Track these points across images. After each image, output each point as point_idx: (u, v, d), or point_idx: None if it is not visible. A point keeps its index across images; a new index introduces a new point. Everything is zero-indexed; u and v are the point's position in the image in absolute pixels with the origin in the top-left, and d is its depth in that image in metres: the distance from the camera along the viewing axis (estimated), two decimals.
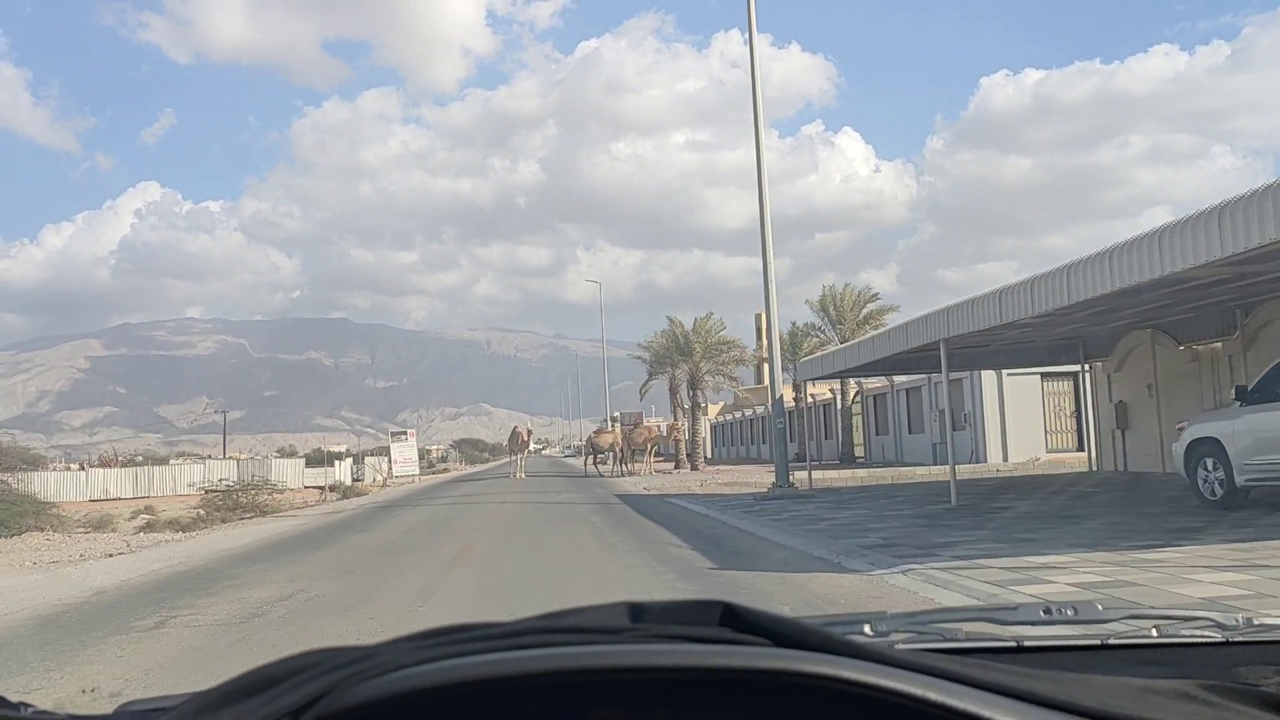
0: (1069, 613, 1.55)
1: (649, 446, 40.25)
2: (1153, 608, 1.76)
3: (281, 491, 37.09)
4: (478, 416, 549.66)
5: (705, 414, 44.75)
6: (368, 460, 69.37)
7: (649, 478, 36.77)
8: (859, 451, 44.72)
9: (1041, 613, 1.57)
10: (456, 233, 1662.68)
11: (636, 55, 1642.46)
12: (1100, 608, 1.59)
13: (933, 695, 0.88)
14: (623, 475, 39.28)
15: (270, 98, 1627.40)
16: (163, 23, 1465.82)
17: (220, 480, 36.30)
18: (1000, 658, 1.40)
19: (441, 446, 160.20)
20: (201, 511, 30.61)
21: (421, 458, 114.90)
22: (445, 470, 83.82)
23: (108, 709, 1.16)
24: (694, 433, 43.07)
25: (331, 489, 40.82)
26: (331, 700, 0.87)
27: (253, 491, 33.98)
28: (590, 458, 41.94)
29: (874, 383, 41.20)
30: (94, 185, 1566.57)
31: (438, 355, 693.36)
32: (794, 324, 46.38)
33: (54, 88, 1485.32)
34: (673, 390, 44.73)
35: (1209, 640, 1.53)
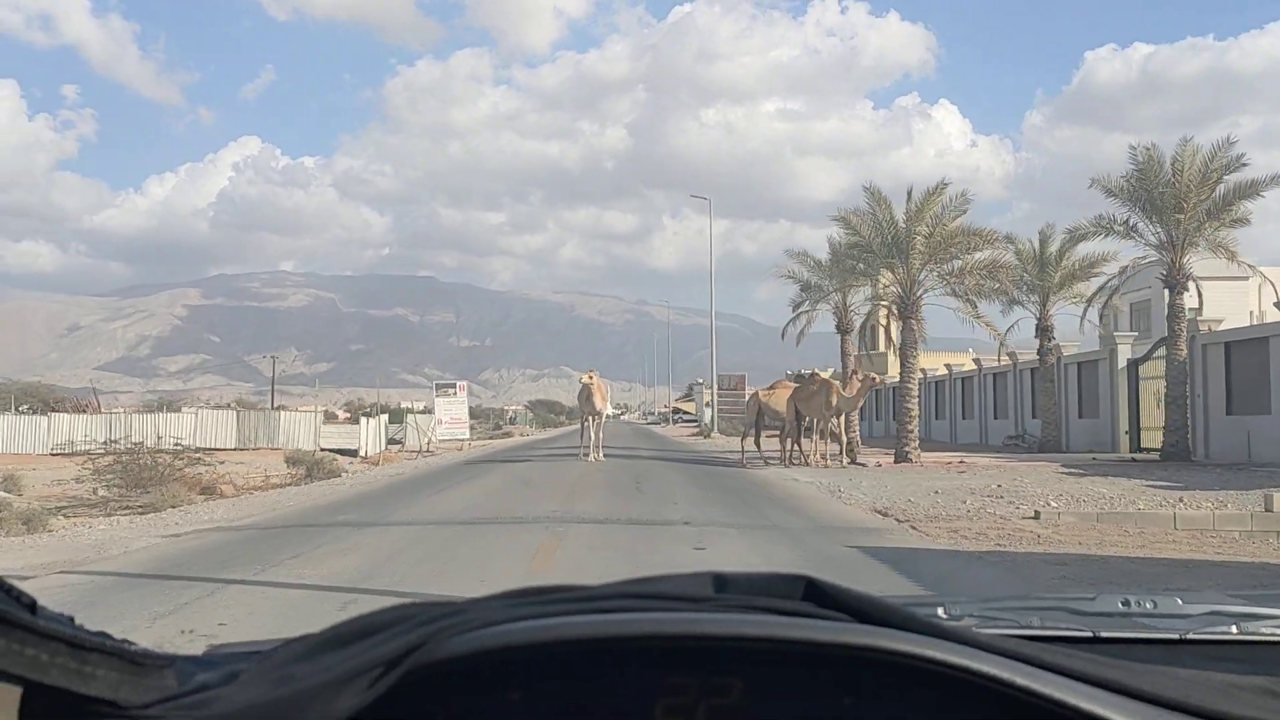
0: (1148, 605, 1.51)
1: (837, 414, 24.65)
2: (1235, 605, 1.53)
3: (210, 466, 23.81)
4: (558, 379, 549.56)
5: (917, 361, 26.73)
6: (413, 419, 56.19)
7: (841, 473, 22.64)
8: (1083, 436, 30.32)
9: (1120, 604, 1.53)
10: (544, 195, 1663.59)
11: (730, 21, 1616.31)
12: (1180, 601, 1.53)
13: (1017, 679, 0.88)
14: (789, 463, 25.52)
15: (365, 56, 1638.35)
16: None
17: (111, 443, 23.40)
18: (1076, 647, 1.29)
19: (516, 406, 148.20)
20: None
21: (485, 418, 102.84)
22: (507, 435, 70.29)
23: None
24: (905, 395, 26.11)
25: (297, 465, 27.26)
26: (425, 653, 0.88)
27: (161, 465, 21.23)
28: (752, 433, 26.75)
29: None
30: (196, 138, 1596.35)
31: (521, 316, 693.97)
32: (1046, 225, 31.23)
33: (160, 41, 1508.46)
34: (858, 329, 29.96)
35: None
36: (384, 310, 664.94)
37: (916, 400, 25.44)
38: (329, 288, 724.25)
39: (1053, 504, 14.37)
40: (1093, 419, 32.35)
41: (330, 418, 68.41)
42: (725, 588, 1.03)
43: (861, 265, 26.64)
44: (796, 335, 32.89)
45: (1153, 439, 29.43)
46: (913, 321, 25.10)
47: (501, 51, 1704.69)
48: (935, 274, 25.08)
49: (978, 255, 24.69)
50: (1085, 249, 30.93)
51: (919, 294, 25.08)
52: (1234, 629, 1.50)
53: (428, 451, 44.41)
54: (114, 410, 63.61)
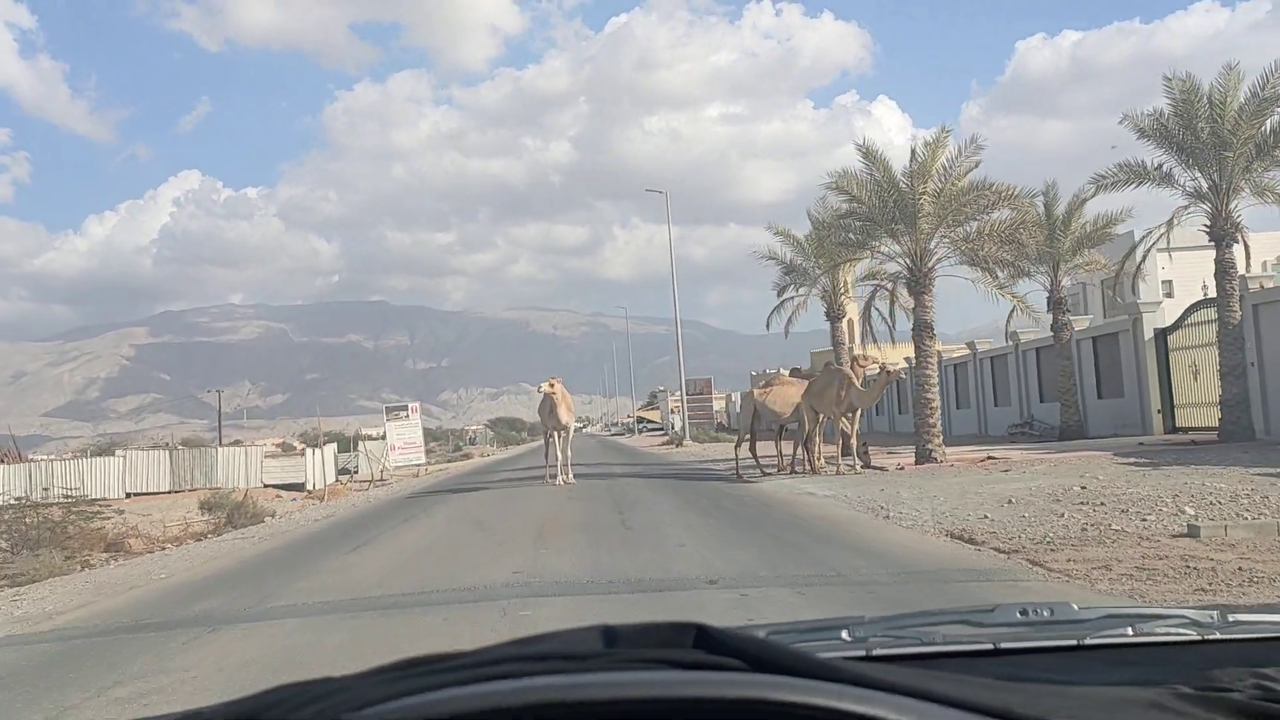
0: (1045, 613, 1.50)
1: (850, 410, 20.62)
2: (1130, 606, 1.76)
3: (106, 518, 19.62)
4: (517, 396, 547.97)
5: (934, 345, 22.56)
6: (364, 447, 51.96)
7: (862, 481, 19.02)
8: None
9: (1018, 614, 1.51)
10: (491, 213, 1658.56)
11: (667, 29, 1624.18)
12: (1076, 607, 1.54)
13: (900, 718, 0.86)
14: (792, 471, 22.06)
15: (302, 83, 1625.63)
16: (193, 11, 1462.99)
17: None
18: (977, 660, 1.36)
19: (476, 426, 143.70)
20: None
21: (445, 440, 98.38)
22: (467, 457, 65.96)
23: None
24: (924, 384, 21.85)
25: (215, 510, 23.02)
26: None
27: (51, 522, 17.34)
28: (748, 439, 22.98)
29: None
30: (134, 175, 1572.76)
31: (476, 335, 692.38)
32: (1048, 183, 27.56)
33: (90, 79, 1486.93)
34: (862, 312, 25.92)
35: (1185, 639, 1.48)
36: (337, 338, 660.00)
37: (937, 389, 21.73)
38: (280, 318, 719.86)
39: (1188, 510, 10.69)
40: (1115, 399, 28.88)
41: (289, 449, 64.28)
42: (614, 641, 1.00)
43: (858, 237, 22.84)
44: (784, 325, 29.23)
45: (1192, 416, 26.02)
46: (926, 297, 21.42)
47: (440, 71, 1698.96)
48: (948, 240, 21.38)
49: (995, 215, 21.02)
50: (1092, 209, 27.60)
51: (931, 265, 21.39)
52: (1130, 631, 1.48)
53: (380, 481, 40.56)
54: (41, 459, 58.83)
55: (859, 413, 20.27)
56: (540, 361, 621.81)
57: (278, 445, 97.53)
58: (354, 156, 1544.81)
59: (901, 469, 20.31)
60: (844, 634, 1.50)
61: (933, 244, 21.38)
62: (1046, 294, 28.67)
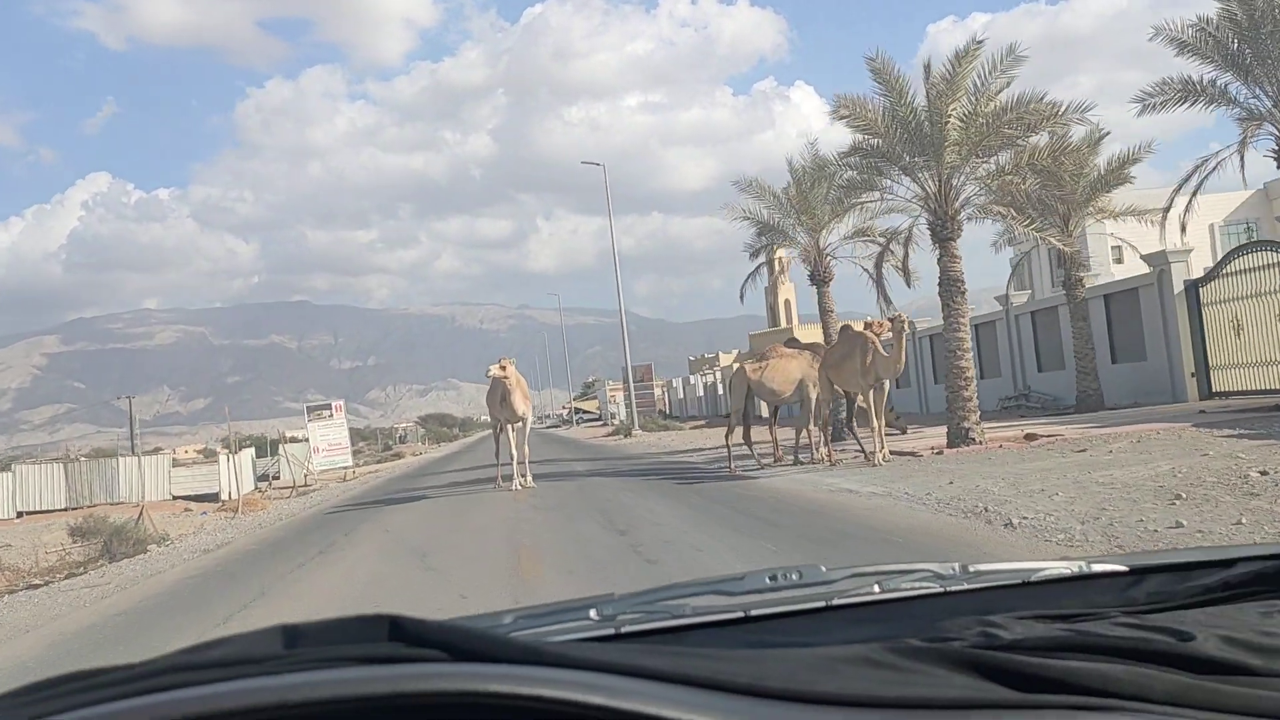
0: (794, 576, 1.49)
1: (876, 384, 16.22)
2: (878, 565, 1.52)
3: None
4: (446, 392, 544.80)
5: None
6: (285, 450, 47.28)
7: (903, 470, 15.24)
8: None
9: (767, 579, 1.49)
10: (413, 209, 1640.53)
11: (583, 18, 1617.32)
12: (824, 569, 1.51)
13: (592, 699, 0.83)
14: (800, 461, 18.29)
15: (211, 80, 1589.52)
16: (95, 9, 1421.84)
17: None
18: (729, 629, 1.38)
19: (406, 424, 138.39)
20: None
21: (374, 439, 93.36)
22: (398, 456, 61.22)
23: None
24: (955, 350, 17.80)
25: (90, 536, 18.53)
26: None
27: None
28: (739, 424, 18.92)
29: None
30: (40, 179, 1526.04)
31: (402, 333, 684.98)
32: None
33: None
34: (875, 264, 21.76)
35: (929, 592, 1.48)
36: (259, 339, 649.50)
37: (972, 355, 17.99)
38: (198, 321, 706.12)
39: None
40: (1134, 363, 25.56)
41: (211, 455, 59.39)
42: (298, 641, 0.93)
43: (865, 177, 18.97)
44: (765, 292, 25.45)
45: (1234, 379, 22.74)
46: (953, 245, 17.70)
47: (354, 66, 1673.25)
48: (975, 176, 17.67)
49: (1033, 140, 17.35)
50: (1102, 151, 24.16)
51: (958, 206, 17.68)
52: (876, 588, 1.49)
53: (304, 487, 36.25)
54: None
55: (886, 386, 16.41)
56: (468, 356, 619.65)
57: (199, 451, 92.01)
58: (269, 155, 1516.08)
59: (940, 452, 16.62)
60: (592, 613, 1.41)
61: (958, 180, 17.65)
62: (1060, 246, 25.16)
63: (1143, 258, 25.18)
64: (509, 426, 18.37)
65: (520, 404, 18.08)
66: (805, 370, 18.39)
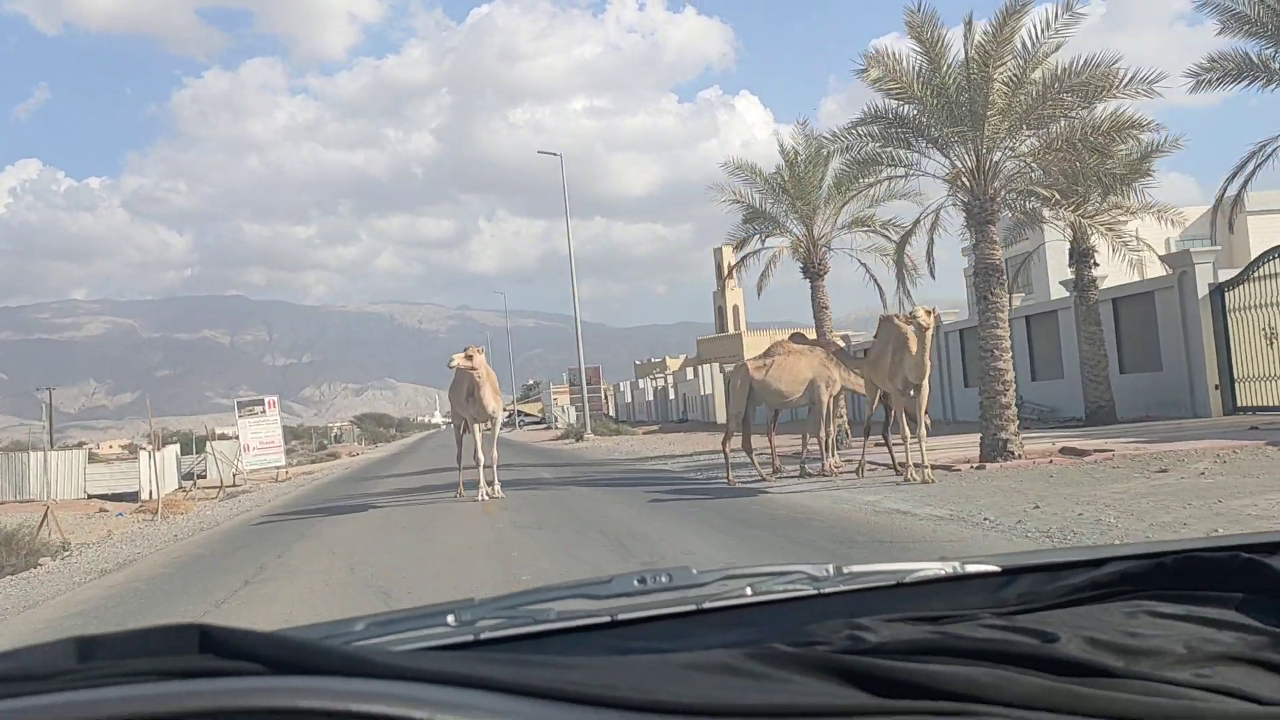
0: (663, 579, 1.44)
1: (914, 383, 13.67)
2: (751, 566, 1.48)
3: None
4: (383, 391, 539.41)
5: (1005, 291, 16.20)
6: (213, 448, 43.95)
7: (953, 491, 12.94)
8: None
9: (636, 582, 1.43)
10: (353, 205, 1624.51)
11: (530, 20, 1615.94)
12: (695, 571, 1.47)
13: (414, 714, 0.77)
14: (808, 473, 16.00)
15: (147, 69, 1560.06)
16: None
17: None
18: (594, 634, 1.33)
19: (341, 423, 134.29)
20: None
21: (308, 438, 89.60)
22: (334, 456, 57.92)
23: None
24: (992, 350, 15.50)
25: None
26: None
27: None
28: (738, 430, 16.46)
29: None
30: None
31: (339, 330, 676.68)
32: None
33: None
34: (898, 248, 19.08)
35: (802, 594, 1.44)
36: (191, 333, 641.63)
37: (1010, 356, 15.69)
38: (127, 314, 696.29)
39: None
40: (1146, 373, 23.60)
41: (137, 450, 55.74)
42: (94, 653, 0.85)
43: (889, 151, 16.60)
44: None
45: (1263, 393, 20.85)
46: (991, 229, 15.44)
47: (295, 60, 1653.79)
48: (1016, 150, 15.42)
49: (1090, 111, 15.14)
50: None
51: (997, 186, 15.41)
52: (749, 590, 1.45)
53: (232, 487, 33.30)
54: None
55: (926, 390, 14.00)
56: (406, 356, 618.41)
57: (123, 447, 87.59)
58: (206, 146, 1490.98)
59: (980, 467, 14.34)
60: (450, 619, 1.33)
61: (999, 155, 15.41)
62: (1069, 243, 23.16)
63: (1162, 258, 23.24)
64: (475, 426, 15.78)
65: (490, 400, 15.50)
66: (816, 369, 16.06)
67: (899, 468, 14.17)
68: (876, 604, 1.37)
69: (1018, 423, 15.37)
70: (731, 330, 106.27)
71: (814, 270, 22.46)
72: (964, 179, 15.45)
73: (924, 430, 13.66)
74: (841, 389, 16.33)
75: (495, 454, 15.81)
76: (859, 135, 16.57)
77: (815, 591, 1.45)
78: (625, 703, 0.85)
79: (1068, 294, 26.90)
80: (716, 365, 62.04)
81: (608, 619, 1.39)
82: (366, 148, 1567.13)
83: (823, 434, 16.15)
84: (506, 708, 0.81)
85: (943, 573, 1.50)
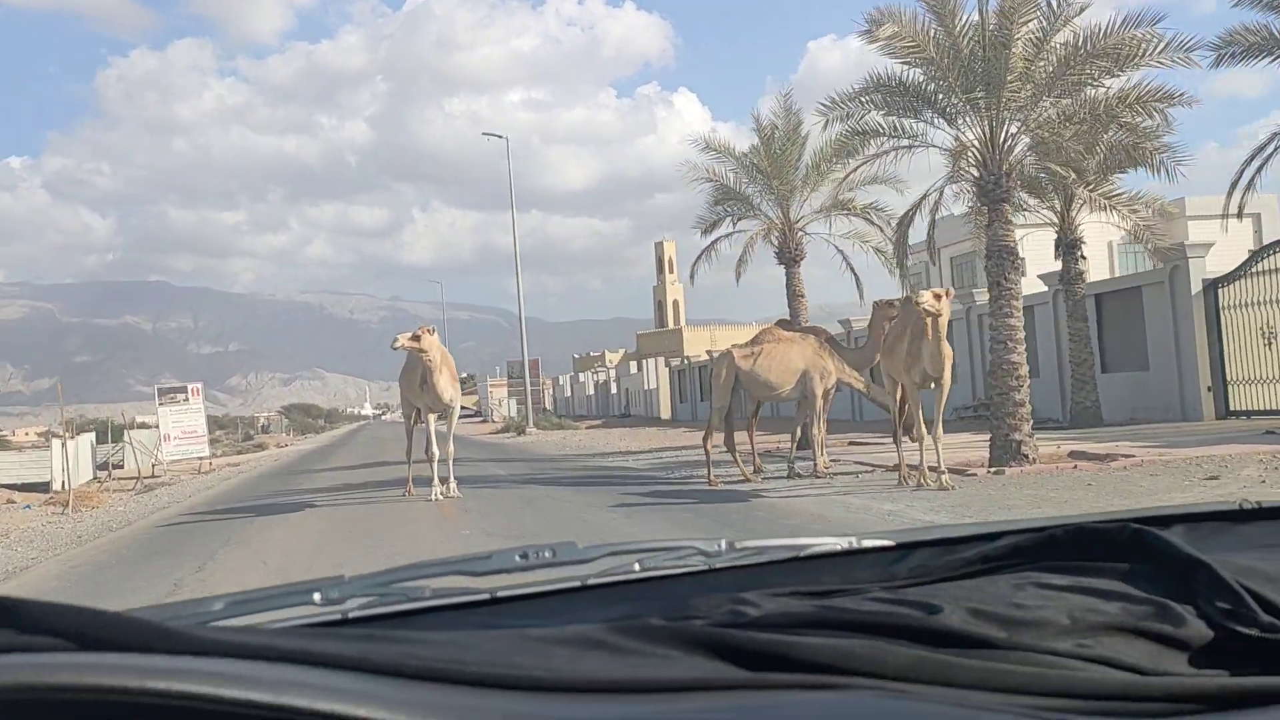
0: (547, 555, 1.39)
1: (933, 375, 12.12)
2: (640, 542, 1.47)
3: None
4: (312, 381, 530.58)
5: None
6: (130, 436, 41.31)
7: (981, 497, 11.42)
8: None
9: (518, 558, 1.39)
10: (284, 192, 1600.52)
11: (468, 10, 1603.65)
12: (580, 546, 1.42)
13: (224, 691, 0.72)
14: (799, 474, 14.52)
15: (72, 46, 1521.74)
16: None
17: None
18: (472, 612, 1.28)
19: (269, 413, 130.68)
20: None
21: (234, 428, 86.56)
22: (261, 447, 55.28)
23: None
24: (1005, 338, 14.11)
25: None
26: None
27: None
28: (720, 426, 14.75)
29: None
30: None
31: (267, 319, 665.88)
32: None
33: None
34: (899, 224, 17.50)
35: (693, 570, 1.41)
36: (112, 319, 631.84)
37: (1024, 348, 14.27)
38: (46, 297, 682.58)
39: None
40: (1130, 373, 22.48)
41: (50, 439, 52.63)
42: None
43: (889, 122, 15.08)
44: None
45: (1258, 396, 19.79)
46: (1006, 208, 14.02)
47: (225, 42, 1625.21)
48: (1031, 123, 14.00)
49: (1114, 81, 13.76)
50: None
51: (1012, 161, 13.97)
52: (637, 566, 1.41)
53: (151, 478, 31.14)
54: None
55: (947, 386, 12.47)
56: (337, 347, 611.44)
57: (40, 434, 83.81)
58: (131, 127, 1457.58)
59: (1000, 472, 12.90)
60: (316, 597, 1.27)
61: (1014, 127, 13.98)
62: (1056, 232, 21.93)
63: (1152, 251, 22.05)
64: (430, 417, 13.98)
65: (447, 387, 13.71)
66: (809, 359, 14.53)
67: (908, 471, 12.64)
68: (769, 579, 1.31)
69: (1031, 422, 13.95)
70: (672, 325, 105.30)
71: (790, 255, 20.97)
72: (975, 152, 14.01)
73: (940, 430, 12.14)
74: (836, 382, 14.82)
75: (452, 448, 14.00)
76: (860, 104, 15.02)
77: (706, 567, 1.41)
78: (473, 678, 0.81)
79: (1046, 288, 25.81)
80: (661, 360, 60.53)
81: (487, 596, 1.33)
82: (298, 134, 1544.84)
83: (815, 431, 14.62)
84: (349, 686, 0.76)
85: (838, 547, 1.47)
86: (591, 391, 79.72)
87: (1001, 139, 13.87)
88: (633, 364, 69.11)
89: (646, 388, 61.45)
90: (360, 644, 0.82)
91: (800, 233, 21.06)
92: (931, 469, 12.02)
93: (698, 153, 21.23)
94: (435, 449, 13.64)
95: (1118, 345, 23.06)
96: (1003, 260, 13.93)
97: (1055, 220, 21.74)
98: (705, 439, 14.81)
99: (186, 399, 41.01)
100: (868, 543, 1.47)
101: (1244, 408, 20.08)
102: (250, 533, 11.77)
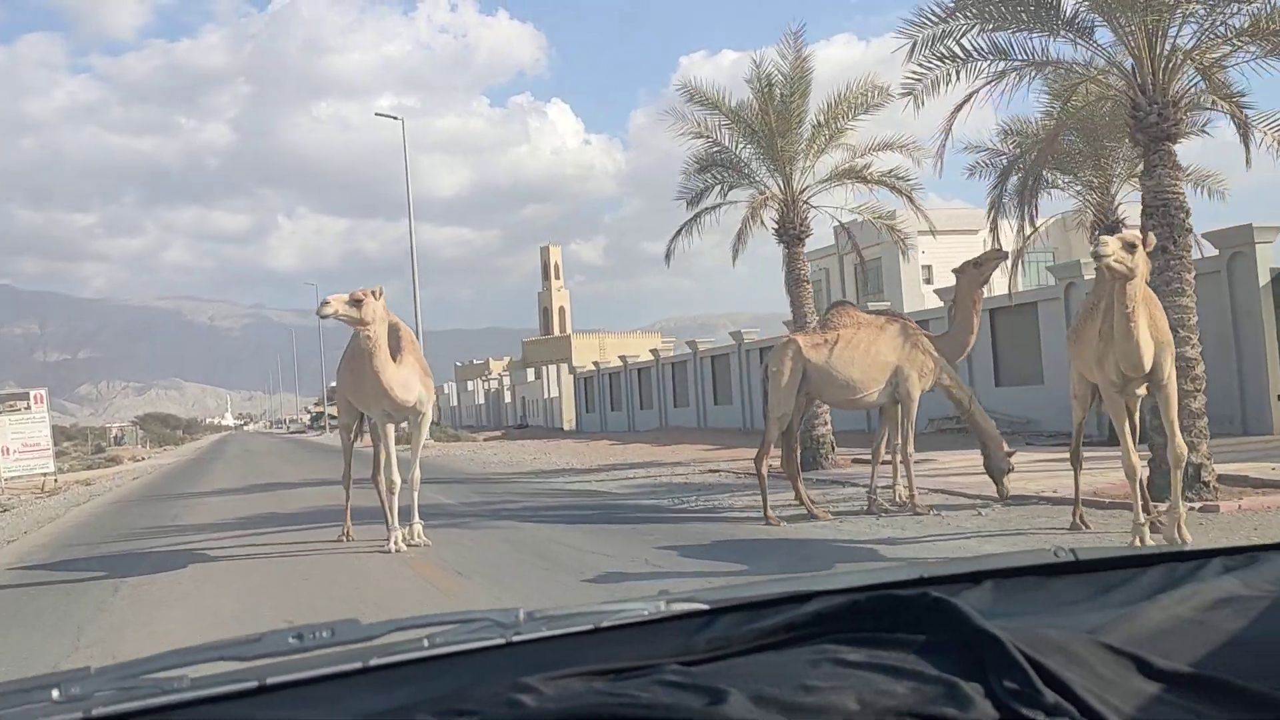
0: (324, 634, 1.31)
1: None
2: (425, 617, 1.36)
3: None
4: (169, 390, 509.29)
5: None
6: None
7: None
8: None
9: (291, 639, 1.30)
10: (140, 195, 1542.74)
11: (338, 13, 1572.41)
12: (362, 623, 1.36)
13: None
14: (885, 509, 10.98)
15: None
16: None
17: None
18: (236, 703, 1.15)
19: (122, 423, 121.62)
20: None
21: (83, 439, 78.81)
22: (114, 461, 48.94)
23: None
24: (1179, 321, 10.01)
25: None
26: None
27: None
28: (774, 441, 10.97)
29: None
30: None
31: (121, 325, 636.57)
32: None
33: None
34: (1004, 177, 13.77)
35: (490, 644, 1.33)
36: None
37: (1196, 330, 10.75)
38: None
39: None
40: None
41: None
42: None
43: (979, 48, 11.39)
44: (732, 254, 18.08)
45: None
46: (1170, 148, 10.46)
47: (78, 37, 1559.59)
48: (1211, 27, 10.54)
49: None
50: None
51: (1179, 87, 10.48)
52: (426, 643, 1.32)
53: None
54: None
55: (1171, 384, 8.66)
56: (196, 355, 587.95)
57: None
58: None
59: (1213, 508, 9.31)
60: (54, 694, 1.16)
61: (1187, 35, 10.45)
62: (1092, 211, 18.68)
63: (1205, 236, 18.96)
64: (386, 428, 9.56)
65: (409, 379, 9.24)
66: (902, 352, 10.79)
67: (1083, 513, 8.85)
68: (572, 652, 1.26)
69: (1209, 439, 10.40)
70: (559, 331, 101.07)
71: (793, 232, 17.19)
72: (1130, 71, 10.41)
73: (1181, 451, 8.22)
74: (934, 385, 11.03)
75: (418, 474, 9.57)
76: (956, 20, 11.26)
77: (504, 641, 1.32)
78: None
79: (1055, 282, 22.68)
80: (564, 366, 56.38)
81: (254, 685, 1.20)
82: (156, 134, 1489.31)
83: (909, 450, 10.79)
84: None
85: (645, 614, 1.40)
86: (482, 400, 75.02)
87: (1162, 54, 10.31)
88: (529, 372, 64.72)
89: (547, 396, 57.19)
90: None
91: (806, 205, 17.31)
92: (1172, 510, 8.15)
93: (684, 102, 17.30)
94: (395, 476, 9.21)
95: None
96: (1170, 217, 10.34)
97: (1091, 199, 18.50)
98: (759, 459, 10.81)
99: (28, 407, 35.55)
100: (677, 607, 1.39)
101: None
102: (117, 615, 7.27)
